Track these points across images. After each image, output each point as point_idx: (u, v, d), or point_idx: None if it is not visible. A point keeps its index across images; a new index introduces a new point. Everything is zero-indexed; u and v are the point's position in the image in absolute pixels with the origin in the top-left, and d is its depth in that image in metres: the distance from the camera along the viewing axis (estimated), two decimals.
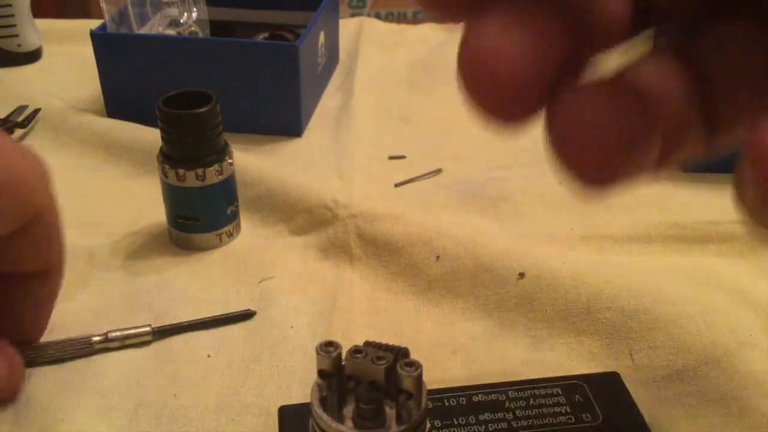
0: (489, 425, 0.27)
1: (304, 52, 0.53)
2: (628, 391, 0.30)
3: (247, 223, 0.45)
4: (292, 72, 0.52)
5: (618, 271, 0.38)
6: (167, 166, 0.40)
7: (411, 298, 0.39)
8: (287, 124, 0.55)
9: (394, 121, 0.59)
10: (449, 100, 0.62)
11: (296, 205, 0.45)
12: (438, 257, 0.40)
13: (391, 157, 0.53)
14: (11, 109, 0.56)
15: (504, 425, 0.27)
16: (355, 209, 0.43)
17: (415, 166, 0.52)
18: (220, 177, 0.41)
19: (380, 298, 0.39)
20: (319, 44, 0.59)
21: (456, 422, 0.28)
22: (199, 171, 0.40)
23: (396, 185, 0.49)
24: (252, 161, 0.48)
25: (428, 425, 0.24)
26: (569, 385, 0.29)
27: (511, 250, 0.39)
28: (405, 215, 0.42)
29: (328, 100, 0.61)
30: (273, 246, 0.43)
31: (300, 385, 0.33)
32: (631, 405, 0.29)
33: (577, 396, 0.29)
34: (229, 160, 0.41)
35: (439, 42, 0.74)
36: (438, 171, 0.51)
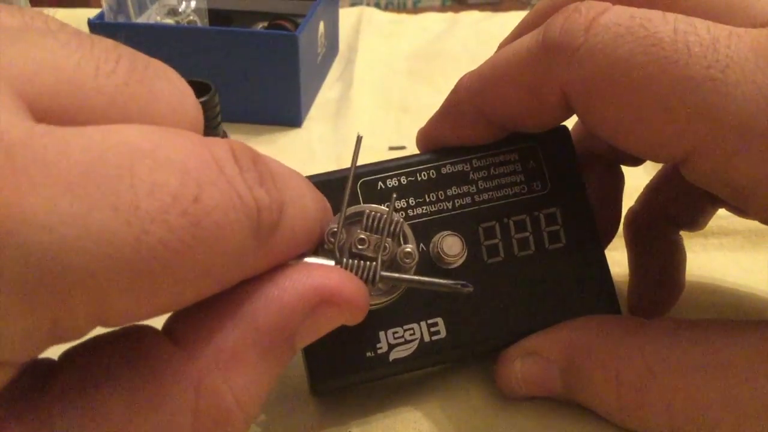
0: (455, 200, 0.28)
1: (303, 41, 0.52)
2: (574, 151, 0.29)
3: None
4: (291, 62, 0.52)
5: (619, 267, 0.38)
6: None
7: None
8: (286, 114, 0.55)
9: (394, 111, 0.58)
10: (449, 89, 0.61)
11: None
12: None
13: (392, 148, 0.52)
14: None
15: (468, 200, 0.28)
16: None
17: None
18: None
19: None
20: (319, 34, 0.58)
21: (427, 199, 0.28)
22: None
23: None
24: None
25: (400, 215, 0.27)
26: (525, 149, 0.29)
27: None
28: None
29: (328, 90, 0.61)
30: None
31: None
32: (574, 168, 0.29)
33: (531, 161, 0.29)
34: None
35: (440, 31, 0.73)
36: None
